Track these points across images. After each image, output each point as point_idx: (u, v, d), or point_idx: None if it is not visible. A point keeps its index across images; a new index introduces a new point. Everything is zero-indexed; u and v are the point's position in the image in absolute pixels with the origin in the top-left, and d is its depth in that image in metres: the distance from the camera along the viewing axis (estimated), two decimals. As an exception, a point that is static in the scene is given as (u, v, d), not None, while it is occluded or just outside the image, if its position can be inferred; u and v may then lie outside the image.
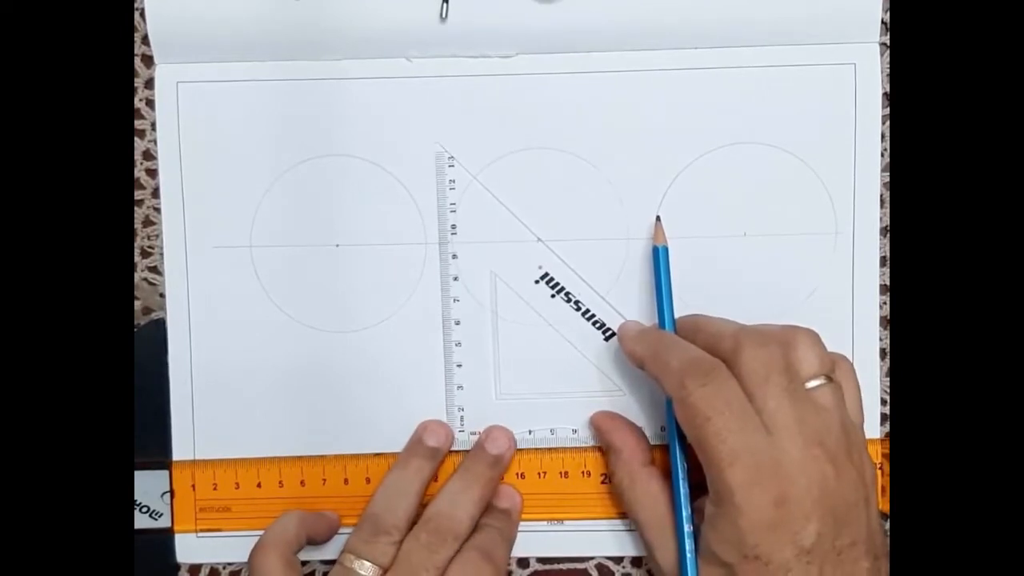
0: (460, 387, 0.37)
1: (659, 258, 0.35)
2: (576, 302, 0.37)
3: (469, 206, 0.37)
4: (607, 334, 0.37)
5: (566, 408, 0.37)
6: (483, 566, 0.34)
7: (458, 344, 0.37)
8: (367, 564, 0.33)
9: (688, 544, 0.32)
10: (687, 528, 0.32)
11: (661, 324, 0.35)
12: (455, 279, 0.37)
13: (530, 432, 0.37)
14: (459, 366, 0.37)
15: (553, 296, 0.37)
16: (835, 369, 0.32)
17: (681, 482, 0.33)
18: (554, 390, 0.37)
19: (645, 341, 0.34)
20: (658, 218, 0.36)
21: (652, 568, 0.34)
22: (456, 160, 0.37)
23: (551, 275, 0.37)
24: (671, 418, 0.33)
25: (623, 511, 0.36)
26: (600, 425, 0.37)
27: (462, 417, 0.37)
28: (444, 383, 0.37)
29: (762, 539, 0.29)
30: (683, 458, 0.33)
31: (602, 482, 0.37)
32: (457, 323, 0.37)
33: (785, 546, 0.29)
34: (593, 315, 0.37)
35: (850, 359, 0.36)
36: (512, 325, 0.37)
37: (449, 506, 0.35)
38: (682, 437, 0.33)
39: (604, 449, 0.37)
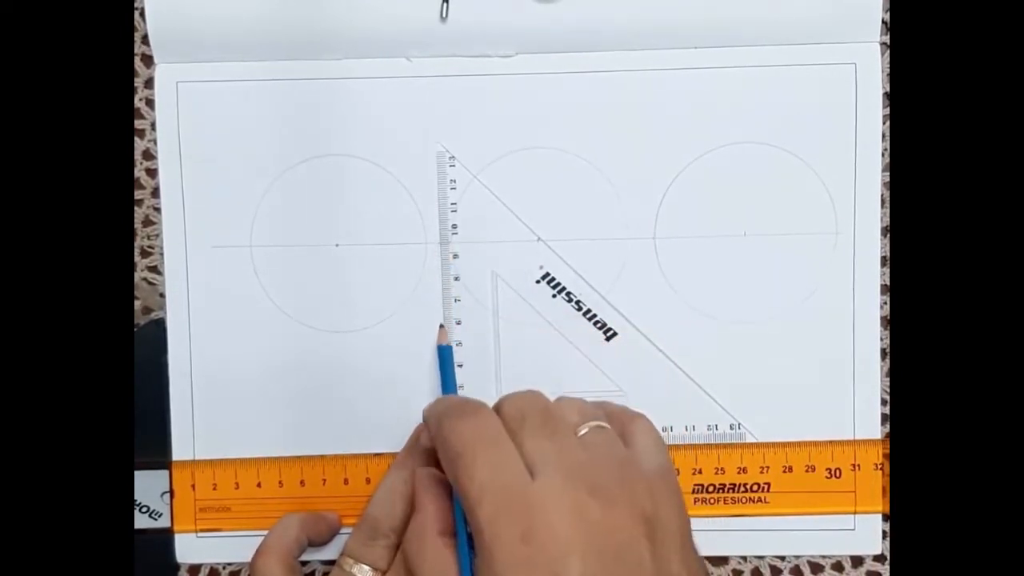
0: (461, 387, 0.37)
1: (444, 356, 0.36)
2: (577, 302, 0.37)
3: (470, 206, 0.37)
4: (608, 334, 0.37)
5: None
6: None
7: (459, 344, 0.37)
8: (365, 568, 0.33)
9: None
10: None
11: None
12: (456, 279, 0.37)
13: None
14: (460, 366, 0.37)
15: (554, 296, 0.37)
16: (614, 424, 0.32)
17: (465, 548, 0.31)
18: (555, 390, 0.37)
19: (431, 408, 0.33)
20: (441, 325, 0.37)
21: None
22: (456, 160, 0.37)
23: (552, 275, 0.37)
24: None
25: None
26: (418, 479, 0.33)
27: None
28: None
29: None
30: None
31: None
32: (458, 323, 0.37)
33: None
34: (594, 315, 0.37)
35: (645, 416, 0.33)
36: (513, 325, 0.37)
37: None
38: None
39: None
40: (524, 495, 0.28)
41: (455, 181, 0.37)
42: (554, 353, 0.37)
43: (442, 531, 0.31)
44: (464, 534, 0.31)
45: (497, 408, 0.31)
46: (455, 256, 0.37)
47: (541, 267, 0.37)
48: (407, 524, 0.34)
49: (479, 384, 0.37)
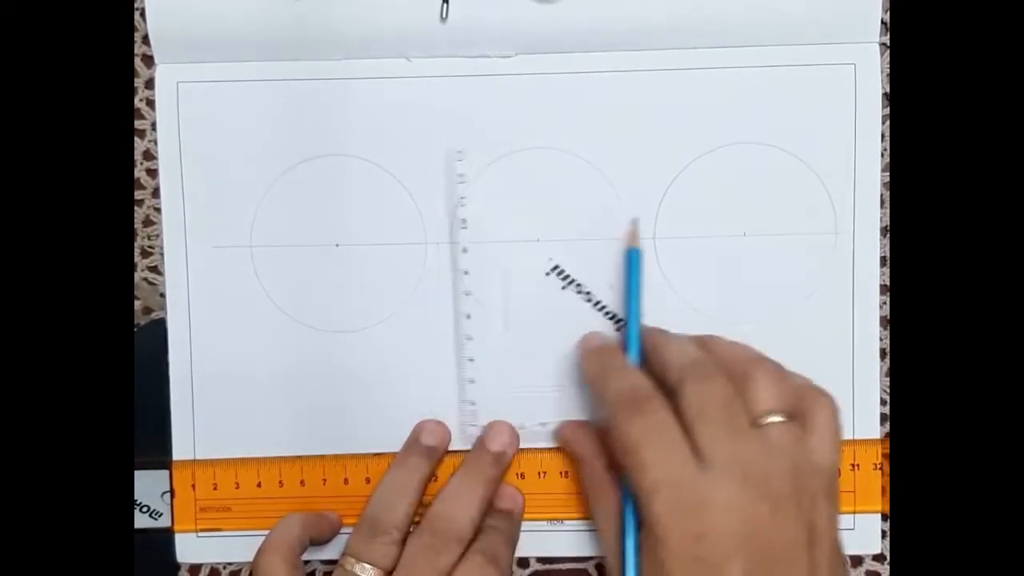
0: (471, 381, 0.37)
1: (631, 261, 0.36)
2: (587, 293, 0.37)
3: (475, 203, 0.37)
4: (619, 325, 0.37)
5: (579, 400, 0.37)
6: (488, 570, 0.33)
7: (469, 338, 0.37)
8: (368, 567, 0.33)
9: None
10: (632, 560, 0.31)
11: (628, 328, 0.35)
12: (466, 273, 0.37)
13: (542, 425, 0.37)
14: (471, 360, 0.37)
15: (564, 288, 0.37)
16: (800, 407, 0.31)
17: (629, 514, 0.32)
18: (565, 382, 0.37)
19: (596, 360, 0.34)
20: (634, 220, 0.37)
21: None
22: (459, 158, 0.37)
23: (561, 267, 0.37)
24: None
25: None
26: (564, 435, 0.36)
27: (473, 411, 0.37)
28: (456, 378, 0.37)
29: (683, 573, 0.29)
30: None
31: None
32: (468, 317, 0.37)
33: None
34: (604, 306, 0.37)
35: (832, 398, 0.32)
36: (523, 318, 0.37)
37: (451, 507, 0.34)
38: None
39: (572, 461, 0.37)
40: (697, 493, 0.29)
41: (463, 175, 0.37)
42: (565, 345, 0.37)
43: (605, 467, 0.34)
44: (632, 516, 0.32)
45: (676, 389, 0.31)
46: (464, 251, 0.37)
47: (551, 259, 0.37)
48: (408, 521, 0.34)
49: (490, 378, 0.37)
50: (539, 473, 0.37)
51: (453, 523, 0.34)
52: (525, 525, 0.37)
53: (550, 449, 0.37)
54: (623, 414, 0.31)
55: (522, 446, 0.37)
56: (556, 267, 0.37)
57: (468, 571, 0.33)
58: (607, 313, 0.37)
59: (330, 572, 0.37)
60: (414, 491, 0.35)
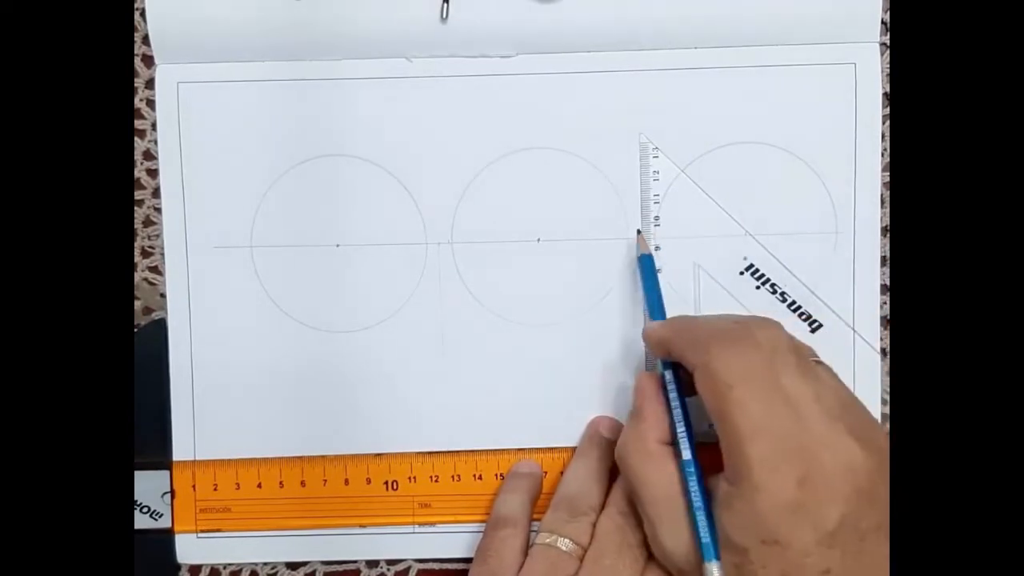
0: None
1: (646, 266, 0.36)
2: (782, 293, 0.37)
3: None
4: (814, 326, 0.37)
5: None
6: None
7: None
8: (568, 542, 0.33)
9: (704, 524, 0.29)
10: (702, 513, 0.30)
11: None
12: (658, 271, 0.37)
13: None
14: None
15: (758, 288, 0.37)
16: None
17: (692, 461, 0.31)
18: None
19: (671, 324, 0.34)
20: (639, 231, 0.37)
21: (655, 550, 0.32)
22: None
23: (756, 267, 0.37)
24: (677, 391, 0.32)
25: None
26: (641, 385, 0.34)
27: None
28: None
29: (782, 521, 0.27)
30: (691, 437, 0.32)
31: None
32: None
33: (806, 530, 0.27)
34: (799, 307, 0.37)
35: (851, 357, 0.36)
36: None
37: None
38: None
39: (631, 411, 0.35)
40: (798, 438, 0.28)
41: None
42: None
43: (660, 439, 0.32)
44: (683, 442, 0.31)
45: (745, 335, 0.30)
46: (657, 248, 0.37)
47: (745, 258, 0.37)
48: (603, 505, 0.34)
49: None
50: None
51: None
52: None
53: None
54: (718, 347, 0.30)
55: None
56: (751, 266, 0.37)
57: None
58: (801, 313, 0.37)
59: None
60: (605, 479, 0.35)
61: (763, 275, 0.37)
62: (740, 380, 0.29)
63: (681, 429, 0.32)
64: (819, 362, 0.31)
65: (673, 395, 0.32)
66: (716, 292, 0.37)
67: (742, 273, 0.37)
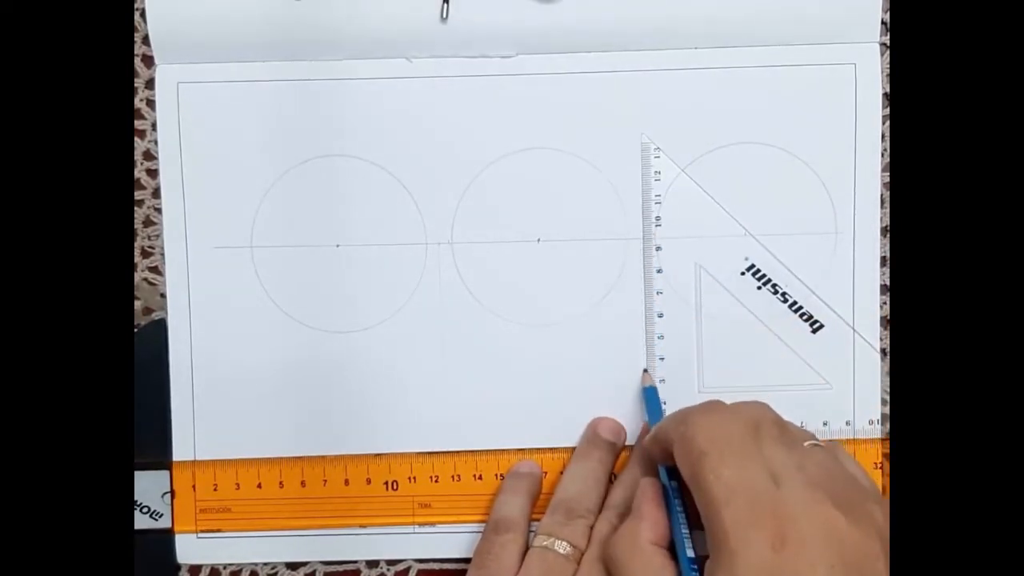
0: (662, 381, 0.37)
1: (650, 397, 0.37)
2: (783, 294, 0.37)
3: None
4: (815, 326, 0.37)
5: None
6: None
7: (661, 337, 0.37)
8: (565, 545, 0.33)
9: None
10: None
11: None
12: (659, 271, 0.37)
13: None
14: (661, 359, 0.37)
15: (759, 288, 0.37)
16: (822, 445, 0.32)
17: (685, 539, 0.31)
18: (760, 383, 0.37)
19: (664, 418, 0.33)
20: (645, 370, 0.37)
21: None
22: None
23: (757, 266, 0.37)
24: (679, 494, 0.32)
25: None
26: (642, 488, 0.33)
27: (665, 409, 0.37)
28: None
29: None
30: (685, 514, 0.32)
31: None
32: (660, 316, 0.37)
33: None
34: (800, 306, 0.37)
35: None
36: (716, 318, 0.38)
37: (628, 491, 0.35)
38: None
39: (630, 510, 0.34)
40: (773, 501, 0.27)
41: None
42: (758, 346, 0.37)
43: (655, 540, 0.31)
44: (685, 542, 0.31)
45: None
46: (658, 248, 0.37)
47: (746, 258, 0.37)
48: (601, 507, 0.35)
49: (681, 378, 0.37)
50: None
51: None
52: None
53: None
54: (697, 416, 0.30)
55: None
56: (752, 266, 0.37)
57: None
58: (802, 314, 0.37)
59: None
60: (603, 482, 0.36)
61: (764, 275, 0.37)
62: (715, 446, 0.29)
63: (684, 531, 0.31)
64: (817, 444, 0.31)
65: (674, 502, 0.32)
66: (717, 292, 0.37)
67: (743, 273, 0.37)
